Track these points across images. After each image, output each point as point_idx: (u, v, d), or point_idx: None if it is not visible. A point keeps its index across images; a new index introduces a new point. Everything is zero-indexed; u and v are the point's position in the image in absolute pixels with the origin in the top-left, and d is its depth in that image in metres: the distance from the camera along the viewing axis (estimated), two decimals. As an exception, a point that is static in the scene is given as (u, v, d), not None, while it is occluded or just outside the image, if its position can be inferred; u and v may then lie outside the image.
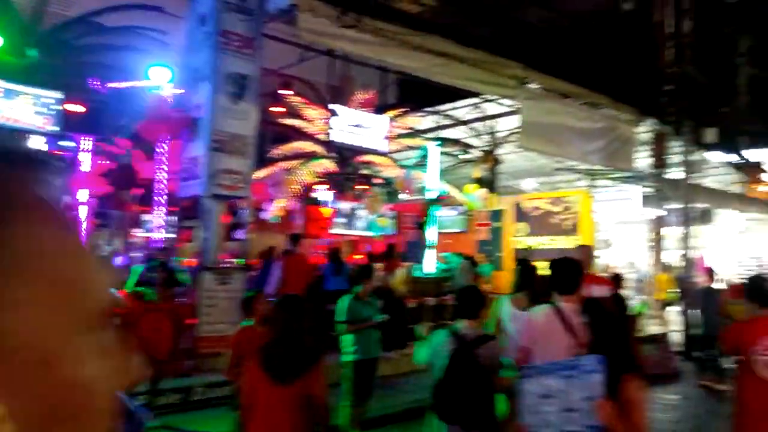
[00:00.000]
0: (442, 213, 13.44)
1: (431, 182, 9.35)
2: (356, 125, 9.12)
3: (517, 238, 12.68)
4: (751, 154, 20.99)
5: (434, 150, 9.34)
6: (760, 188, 26.29)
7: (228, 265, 6.97)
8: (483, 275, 11.39)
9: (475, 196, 10.65)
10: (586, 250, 5.84)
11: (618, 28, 12.02)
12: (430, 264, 10.41)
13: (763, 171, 20.88)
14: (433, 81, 7.98)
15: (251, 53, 6.90)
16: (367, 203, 11.30)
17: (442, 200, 11.67)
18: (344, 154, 10.57)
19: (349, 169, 11.23)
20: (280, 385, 2.70)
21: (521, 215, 12.88)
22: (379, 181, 11.69)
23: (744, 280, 4.81)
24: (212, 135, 6.69)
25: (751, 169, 19.73)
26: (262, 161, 11.32)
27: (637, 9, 12.06)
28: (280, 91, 11.77)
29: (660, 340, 4.95)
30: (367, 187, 11.68)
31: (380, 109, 10.47)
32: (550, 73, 9.24)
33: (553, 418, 2.31)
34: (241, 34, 6.81)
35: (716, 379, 7.64)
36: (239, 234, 7.66)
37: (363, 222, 11.10)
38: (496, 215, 12.56)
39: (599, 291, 4.68)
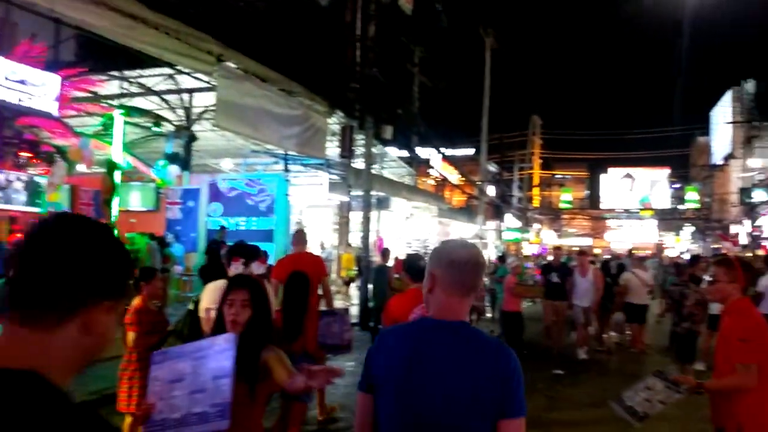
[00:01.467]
0: (129, 190, 12.42)
1: (115, 155, 8.51)
2: (19, 81, 7.75)
3: (211, 218, 12.46)
4: (421, 152, 24.44)
5: (119, 119, 8.52)
6: (428, 181, 30.82)
7: None
8: (173, 256, 10.89)
9: (167, 173, 10.07)
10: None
11: (315, 21, 12.65)
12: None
13: (430, 167, 24.49)
14: (120, 43, 7.24)
15: None
16: (50, 174, 9.72)
17: (128, 175, 10.78)
18: (2, 113, 8.90)
19: (8, 133, 9.51)
20: None
21: (216, 195, 12.67)
22: (49, 149, 10.20)
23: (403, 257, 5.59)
24: None
25: (420, 165, 22.97)
26: None
27: (333, 7, 12.86)
28: None
29: (339, 313, 5.36)
30: (31, 155, 10.08)
31: (52, 66, 9.09)
32: (248, 55, 9.19)
33: (180, 402, 2.26)
34: None
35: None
36: None
37: (24, 195, 9.55)
38: (190, 194, 12.13)
39: (257, 269, 4.93)
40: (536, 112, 39.87)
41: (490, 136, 26.55)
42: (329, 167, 13.13)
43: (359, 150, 12.97)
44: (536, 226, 44.56)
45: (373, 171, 14.80)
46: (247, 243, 5.06)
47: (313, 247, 15.08)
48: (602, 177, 55.69)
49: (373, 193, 14.02)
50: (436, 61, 18.28)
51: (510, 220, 36.06)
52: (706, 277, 3.34)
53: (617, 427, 5.13)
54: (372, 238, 14.79)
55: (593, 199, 64.70)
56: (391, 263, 10.20)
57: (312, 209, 15.65)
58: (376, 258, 12.05)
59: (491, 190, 33.17)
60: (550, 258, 12.48)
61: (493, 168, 35.44)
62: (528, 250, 36.93)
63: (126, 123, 8.96)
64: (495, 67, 21.70)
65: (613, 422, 4.95)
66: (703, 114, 58.27)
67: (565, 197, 51.08)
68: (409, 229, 19.52)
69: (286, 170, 12.93)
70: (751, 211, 33.22)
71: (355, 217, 13.32)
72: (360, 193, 12.58)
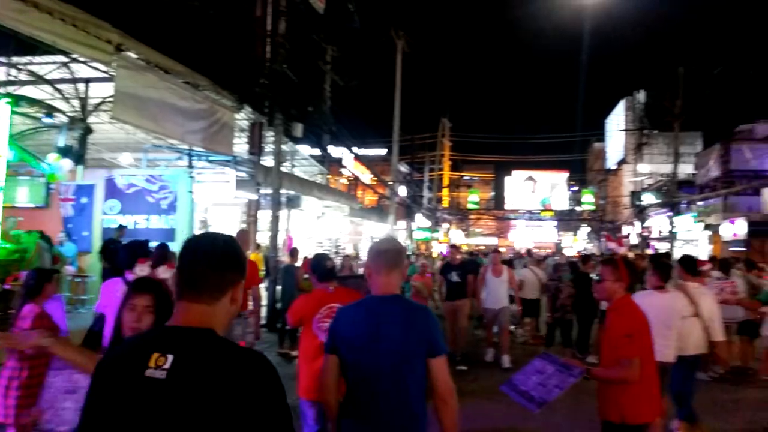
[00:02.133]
0: (15, 184, 11.53)
1: (0, 146, 7.86)
2: None
3: (107, 216, 11.78)
4: (334, 151, 24.36)
5: (5, 108, 7.87)
6: (340, 180, 30.78)
7: None
8: (63, 256, 10.21)
9: (59, 167, 9.42)
10: (244, 235, 6.16)
11: (224, 13, 12.29)
12: (-6, 243, 8.78)
13: (343, 166, 24.46)
14: (7, 27, 6.69)
15: None
16: None
17: (14, 169, 10.00)
18: None
19: None
20: None
21: (113, 191, 12.00)
22: None
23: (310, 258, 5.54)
24: None
25: (332, 164, 22.89)
26: None
27: (243, 0, 12.57)
28: None
29: (242, 315, 5.23)
30: None
31: (-75, 48, 8.26)
32: (151, 45, 8.79)
33: (69, 416, 2.12)
34: None
35: (292, 347, 8.58)
36: None
37: None
38: (84, 190, 11.41)
39: (164, 273, 4.75)
40: (446, 115, 40.80)
41: (401, 137, 26.89)
42: (237, 164, 12.77)
43: (269, 147, 12.74)
44: (445, 225, 45.68)
45: (283, 169, 14.58)
46: (146, 243, 4.81)
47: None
48: (507, 179, 57.92)
49: (282, 191, 13.81)
50: (348, 60, 18.31)
51: (420, 219, 36.76)
52: (594, 275, 3.52)
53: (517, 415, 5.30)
54: (281, 238, 14.57)
55: (498, 200, 67.25)
56: (299, 263, 10.08)
57: (218, 207, 15.17)
58: (285, 258, 11.88)
59: (402, 191, 33.66)
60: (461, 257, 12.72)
61: (404, 168, 35.96)
62: (437, 249, 37.79)
63: (13, 113, 8.29)
64: (407, 70, 22.03)
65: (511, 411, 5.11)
66: (599, 121, 62.03)
67: (472, 198, 52.68)
68: (320, 228, 19.40)
69: (191, 166, 12.43)
70: (640, 213, 35.67)
71: (264, 216, 13.06)
72: (269, 191, 12.35)
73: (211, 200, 13.80)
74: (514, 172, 57.27)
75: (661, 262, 5.59)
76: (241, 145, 14.40)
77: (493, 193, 77.44)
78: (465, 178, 60.97)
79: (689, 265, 5.66)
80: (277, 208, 12.09)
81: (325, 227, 19.65)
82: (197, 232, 14.45)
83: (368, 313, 2.56)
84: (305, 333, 3.89)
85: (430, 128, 38.38)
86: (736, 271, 10.03)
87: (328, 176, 24.00)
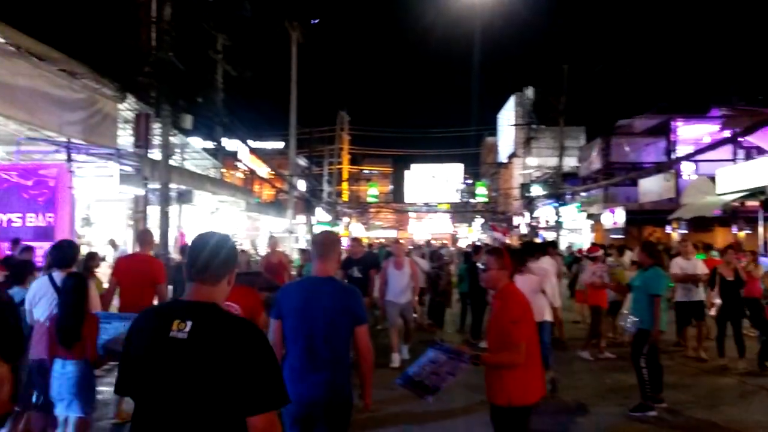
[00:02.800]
0: None
1: None
2: None
3: (-27, 215, 10.71)
4: (229, 144, 23.61)
5: None
6: (236, 174, 29.93)
7: None
8: None
9: None
10: (147, 235, 6.77)
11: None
12: None
13: (238, 160, 23.78)
14: None
15: None
16: None
17: None
18: None
19: None
20: None
21: (-19, 188, 10.93)
22: None
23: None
24: None
25: (226, 157, 22.19)
26: None
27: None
28: None
29: (129, 318, 4.86)
30: None
31: None
32: (22, 30, 8.08)
33: None
34: None
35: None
36: None
37: None
38: (-56, 186, 10.31)
39: None
40: (344, 108, 40.81)
41: (299, 130, 26.57)
42: (121, 157, 12.04)
43: (157, 140, 12.10)
44: (345, 219, 45.77)
45: (173, 163, 13.92)
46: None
47: (102, 246, 13.81)
48: (406, 173, 59.00)
49: (172, 186, 13.18)
50: (241, 50, 17.79)
51: (320, 213, 36.57)
52: (480, 264, 3.63)
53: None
54: (173, 234, 13.93)
55: (397, 193, 68.34)
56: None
57: (101, 203, 14.25)
58: (177, 256, 11.37)
59: (301, 185, 33.30)
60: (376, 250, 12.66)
61: (302, 162, 35.59)
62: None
63: None
64: (303, 61, 21.75)
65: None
66: (492, 116, 64.57)
67: (372, 192, 53.21)
68: (215, 224, 18.75)
69: (70, 160, 11.56)
70: (529, 204, 37.55)
71: (154, 212, 12.41)
72: (157, 186, 11.75)
73: (94, 196, 12.93)
74: (413, 166, 58.48)
75: (511, 250, 6.94)
76: (126, 138, 13.59)
77: (392, 187, 78.57)
78: (364, 171, 61.36)
79: (528, 251, 7.75)
80: (167, 203, 11.53)
81: (221, 223, 19.03)
82: (79, 230, 13.52)
83: (305, 289, 3.37)
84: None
85: (329, 122, 38.31)
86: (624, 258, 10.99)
87: (223, 170, 23.27)
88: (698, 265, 9.27)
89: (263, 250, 22.48)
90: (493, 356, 3.54)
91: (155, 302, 6.00)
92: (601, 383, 7.64)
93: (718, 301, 8.61)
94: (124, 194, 13.48)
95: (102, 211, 14.63)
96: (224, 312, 2.02)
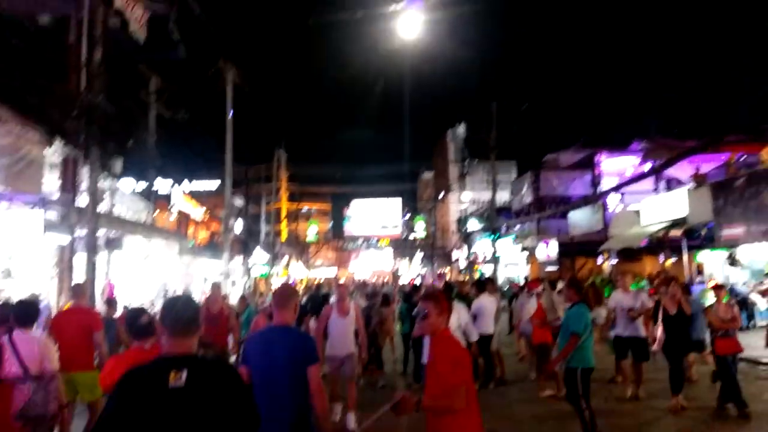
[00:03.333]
0: None
1: None
2: None
3: None
4: (162, 186, 23.00)
5: None
6: (170, 218, 29.13)
7: None
8: None
9: None
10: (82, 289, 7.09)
11: (31, 40, 11.15)
12: None
13: (171, 203, 23.19)
14: None
15: None
16: None
17: None
18: None
19: None
20: None
21: None
22: None
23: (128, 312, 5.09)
24: None
25: (159, 200, 21.59)
26: None
27: (54, 27, 11.51)
28: None
29: (45, 378, 4.58)
30: None
31: None
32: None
33: None
34: None
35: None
36: None
37: None
38: None
39: None
40: (281, 146, 40.62)
41: (235, 169, 26.19)
42: (46, 205, 11.50)
43: (86, 185, 11.64)
44: (285, 259, 45.12)
45: (102, 208, 13.41)
46: None
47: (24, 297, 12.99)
48: (345, 210, 59.00)
49: (101, 232, 12.66)
50: (176, 91, 17.49)
51: (258, 254, 35.88)
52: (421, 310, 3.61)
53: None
54: (101, 284, 13.32)
55: (337, 231, 68.15)
56: (119, 314, 9.26)
57: (24, 254, 13.49)
58: (102, 309, 10.84)
59: (238, 225, 32.68)
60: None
61: (239, 202, 35.04)
62: (278, 284, 37.10)
63: None
64: (239, 101, 21.59)
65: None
66: (428, 152, 65.88)
67: (311, 230, 52.82)
68: (147, 270, 18.07)
69: (-11, 208, 10.95)
70: (467, 238, 38.22)
71: (81, 261, 11.84)
72: (84, 233, 11.25)
73: (16, 246, 12.25)
74: (353, 203, 58.52)
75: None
76: (53, 183, 13.02)
77: (331, 224, 78.35)
78: (303, 210, 60.97)
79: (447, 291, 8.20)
80: (94, 252, 11.03)
81: (154, 269, 18.36)
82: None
83: (265, 339, 3.82)
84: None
85: (266, 160, 37.94)
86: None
87: (157, 213, 22.60)
88: (640, 297, 8.93)
89: (199, 295, 21.80)
90: (433, 401, 3.50)
91: (95, 353, 6.11)
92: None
93: (659, 332, 8.04)
94: (49, 243, 12.84)
95: (24, 262, 13.85)
96: (206, 360, 2.60)
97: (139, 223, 17.25)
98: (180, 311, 2.50)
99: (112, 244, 14.92)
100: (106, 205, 16.80)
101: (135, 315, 3.70)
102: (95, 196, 10.78)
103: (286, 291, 4.10)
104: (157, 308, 15.81)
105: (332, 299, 8.65)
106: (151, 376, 2.31)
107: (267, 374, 3.63)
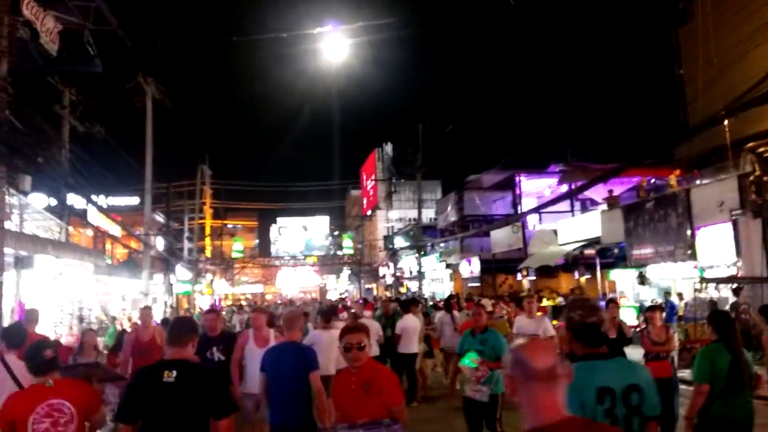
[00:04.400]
0: None
1: None
2: None
3: None
4: (77, 202, 21.95)
5: None
6: (87, 233, 27.76)
7: None
8: None
9: None
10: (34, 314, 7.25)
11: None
12: None
13: (85, 219, 22.15)
14: None
15: None
16: None
17: None
18: None
19: None
20: None
21: None
22: None
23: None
24: None
25: (73, 216, 20.59)
26: None
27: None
28: None
29: None
30: None
31: None
32: None
33: None
34: None
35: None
36: None
37: None
38: None
39: None
40: (205, 162, 39.70)
41: (156, 185, 25.41)
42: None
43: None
44: (209, 276, 43.91)
45: (10, 225, 12.65)
46: None
47: None
48: (272, 226, 58.21)
49: (9, 251, 11.97)
50: (92, 105, 16.86)
51: (180, 272, 34.76)
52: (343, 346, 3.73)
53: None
54: (9, 305, 12.55)
55: (263, 247, 67.03)
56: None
57: None
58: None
59: (160, 242, 31.58)
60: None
61: (160, 218, 33.92)
62: (201, 302, 36.05)
63: None
64: (160, 116, 21.02)
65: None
66: (356, 170, 66.23)
67: (236, 246, 51.72)
68: (59, 290, 17.16)
69: None
70: (393, 255, 38.59)
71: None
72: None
73: None
74: (279, 219, 57.89)
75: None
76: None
77: (257, 241, 77.07)
78: (228, 226, 59.61)
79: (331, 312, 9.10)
80: (1, 271, 10.44)
81: (66, 288, 17.46)
82: None
83: (278, 351, 5.04)
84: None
85: (189, 176, 36.97)
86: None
87: (71, 229, 21.53)
88: (543, 324, 8.26)
89: (120, 316, 20.89)
90: None
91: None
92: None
93: None
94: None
95: None
96: (195, 364, 3.77)
97: (51, 241, 16.39)
98: (174, 327, 3.65)
99: (22, 263, 14.12)
100: (14, 223, 15.88)
101: (36, 348, 3.50)
102: (2, 214, 10.21)
103: (294, 315, 5.41)
104: (74, 331, 15.04)
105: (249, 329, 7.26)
106: (152, 374, 3.39)
107: (279, 379, 4.83)
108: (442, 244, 31.74)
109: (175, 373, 3.26)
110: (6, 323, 10.87)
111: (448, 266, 32.01)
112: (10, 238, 11.89)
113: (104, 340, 14.90)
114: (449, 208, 31.07)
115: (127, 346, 7.41)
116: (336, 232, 61.37)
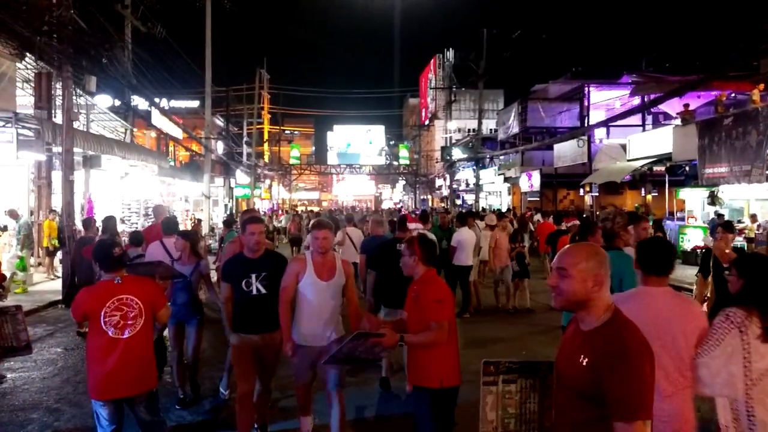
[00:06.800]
0: None
1: None
2: None
3: None
4: (141, 104, 22.30)
5: None
6: (150, 134, 28.46)
7: None
8: None
9: None
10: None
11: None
12: None
13: (149, 121, 22.55)
14: None
15: None
16: None
17: None
18: None
19: None
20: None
21: None
22: None
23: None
24: None
25: (137, 118, 21.00)
26: None
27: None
28: None
29: (10, 312, 4.45)
30: None
31: None
32: None
33: None
34: None
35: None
36: None
37: None
38: None
39: None
40: (263, 66, 39.42)
41: (215, 89, 25.48)
42: (19, 121, 11.12)
43: (58, 101, 11.22)
44: (267, 181, 44.80)
45: (79, 126, 13.00)
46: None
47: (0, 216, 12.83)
48: (328, 134, 58.04)
49: (77, 150, 12.34)
50: (153, 5, 16.65)
51: (240, 176, 35.55)
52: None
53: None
54: (79, 202, 13.12)
55: (320, 155, 67.43)
56: (100, 234, 9.11)
57: (-1, 170, 13.19)
58: (81, 227, 10.70)
59: (219, 146, 32.14)
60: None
61: (219, 122, 34.30)
62: (260, 206, 36.98)
63: None
64: (220, 18, 20.70)
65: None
66: (415, 77, 64.53)
67: (294, 153, 52.19)
68: (125, 189, 17.83)
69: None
70: (450, 167, 38.11)
71: (58, 178, 11.59)
72: (60, 150, 10.96)
73: (-11, 162, 11.96)
74: (336, 127, 57.45)
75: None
76: (27, 98, 12.55)
77: (314, 148, 77.54)
78: (286, 132, 59.94)
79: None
80: (71, 170, 10.79)
81: (132, 188, 18.11)
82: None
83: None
84: (92, 329, 3.45)
85: (247, 80, 36.90)
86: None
87: (135, 131, 22.06)
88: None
89: (181, 216, 21.68)
90: (416, 336, 3.52)
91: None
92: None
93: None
94: (23, 159, 12.52)
95: (0, 178, 13.56)
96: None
97: (117, 141, 16.83)
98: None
99: (90, 162, 14.61)
100: (82, 123, 16.32)
101: (104, 247, 3.56)
102: (69, 114, 10.41)
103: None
104: (139, 226, 15.67)
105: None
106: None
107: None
108: (501, 157, 30.99)
109: None
110: (78, 219, 11.40)
111: (506, 180, 31.42)
112: (79, 138, 12.22)
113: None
114: (511, 119, 30.01)
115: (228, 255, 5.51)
116: (392, 142, 60.81)
